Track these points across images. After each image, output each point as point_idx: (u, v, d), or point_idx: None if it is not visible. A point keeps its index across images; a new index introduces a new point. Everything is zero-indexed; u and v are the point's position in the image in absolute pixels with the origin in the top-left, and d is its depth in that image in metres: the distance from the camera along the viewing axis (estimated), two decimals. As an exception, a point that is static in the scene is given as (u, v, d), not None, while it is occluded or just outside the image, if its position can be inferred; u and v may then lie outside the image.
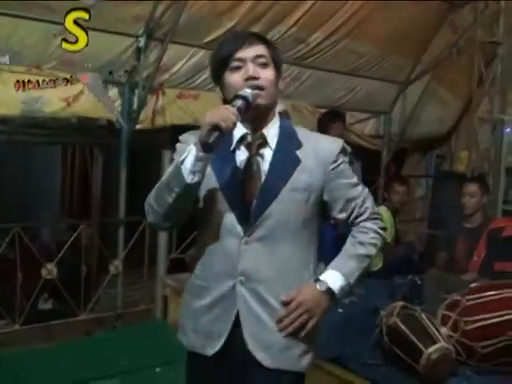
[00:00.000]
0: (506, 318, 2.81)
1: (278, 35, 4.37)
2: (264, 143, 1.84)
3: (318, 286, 1.81)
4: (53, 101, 3.68)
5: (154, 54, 3.99)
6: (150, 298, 4.56)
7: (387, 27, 4.82)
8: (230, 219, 1.80)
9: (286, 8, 4.24)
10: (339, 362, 3.05)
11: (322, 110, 5.09)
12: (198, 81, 4.32)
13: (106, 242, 4.59)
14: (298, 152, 1.83)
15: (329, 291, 1.81)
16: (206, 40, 4.13)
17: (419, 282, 3.56)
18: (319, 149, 1.85)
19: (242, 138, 1.83)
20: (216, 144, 1.65)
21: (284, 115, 2.00)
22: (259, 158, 1.83)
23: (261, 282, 1.80)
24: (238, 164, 1.82)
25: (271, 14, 4.19)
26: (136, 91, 4.06)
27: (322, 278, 1.83)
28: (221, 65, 1.82)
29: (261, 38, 1.86)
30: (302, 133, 1.90)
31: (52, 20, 3.47)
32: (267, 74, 1.80)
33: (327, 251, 4.69)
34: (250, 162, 1.82)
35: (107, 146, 5.32)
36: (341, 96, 5.35)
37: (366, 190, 1.94)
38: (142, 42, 3.89)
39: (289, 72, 4.77)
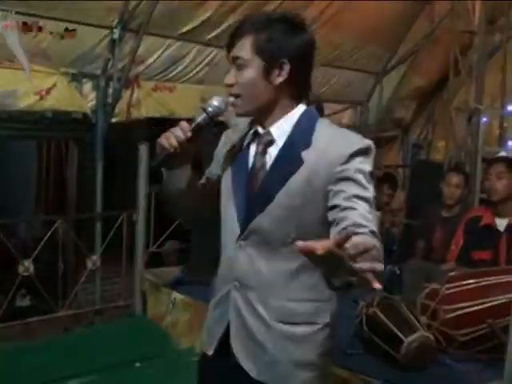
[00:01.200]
0: (485, 305, 2.82)
1: (253, 26, 4.34)
2: (271, 141, 1.69)
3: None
4: (26, 94, 3.62)
5: (128, 45, 3.95)
6: (129, 293, 4.52)
7: (363, 18, 4.82)
8: (232, 219, 1.71)
9: (259, 1, 4.21)
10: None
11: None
12: (174, 72, 4.29)
13: (84, 238, 4.53)
14: (304, 152, 1.62)
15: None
16: (182, 31, 4.10)
17: (398, 272, 3.57)
18: (330, 147, 1.61)
19: (255, 134, 1.71)
20: (160, 164, 1.68)
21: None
22: (266, 157, 1.69)
23: (252, 288, 1.69)
24: (249, 163, 1.72)
25: (247, 5, 4.16)
26: (111, 84, 4.01)
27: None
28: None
29: (244, 29, 1.64)
30: (322, 128, 1.67)
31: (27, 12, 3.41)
32: (242, 78, 1.63)
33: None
34: (256, 161, 1.70)
35: (82, 140, 5.25)
36: (317, 87, 5.32)
37: (374, 210, 1.54)
38: (116, 33, 3.84)
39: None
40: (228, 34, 1.69)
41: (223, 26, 4.22)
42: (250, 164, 1.71)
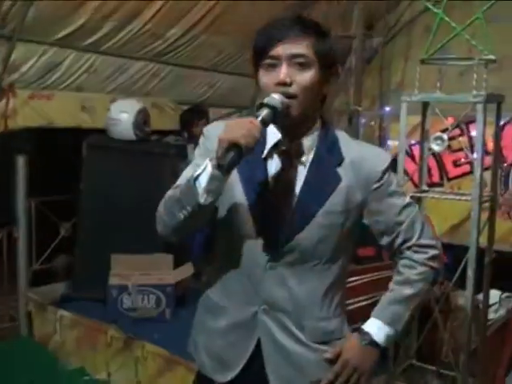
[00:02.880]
0: (371, 300, 2.90)
1: (133, 31, 4.23)
2: (300, 154, 1.58)
3: (361, 341, 1.63)
4: None
5: (1, 52, 3.71)
6: (14, 314, 4.28)
7: (244, 22, 4.81)
8: (255, 239, 1.58)
9: (140, 3, 4.10)
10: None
11: (185, 107, 5.04)
12: (51, 80, 4.09)
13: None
14: (338, 168, 1.57)
15: (373, 344, 1.63)
16: (57, 37, 3.90)
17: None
18: (362, 164, 1.58)
19: (276, 145, 1.57)
20: (233, 165, 1.45)
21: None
22: (293, 172, 1.58)
23: (285, 311, 1.60)
24: (269, 176, 1.59)
25: (125, 9, 4.03)
26: (-17, 94, 3.77)
27: (365, 328, 1.65)
28: (255, 58, 1.56)
29: (307, 29, 1.53)
30: (345, 142, 1.62)
31: None
32: (304, 79, 1.51)
33: (195, 251, 4.65)
34: (281, 175, 1.57)
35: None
36: (202, 92, 5.31)
37: (416, 210, 1.67)
38: (-13, 40, 3.62)
39: (148, 69, 4.67)
40: (276, 27, 1.53)
41: (101, 32, 4.07)
42: (270, 178, 1.59)
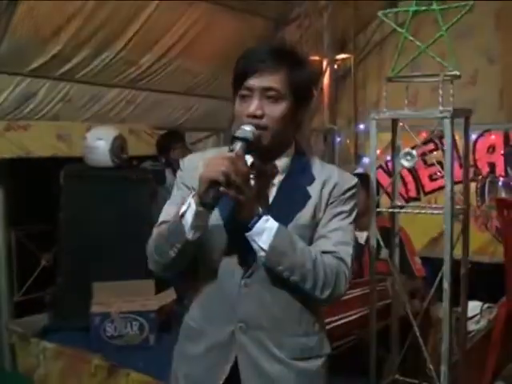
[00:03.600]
0: (352, 318, 2.93)
1: (107, 59, 4.27)
2: (274, 175, 1.66)
3: (260, 208, 1.57)
4: None
5: (-26, 85, 3.73)
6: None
7: (216, 46, 4.90)
8: (229, 257, 1.62)
9: (113, 31, 4.15)
10: None
11: (161, 132, 5.07)
12: (27, 110, 4.10)
13: None
14: (308, 187, 1.64)
15: (258, 217, 1.55)
16: (31, 67, 3.93)
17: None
18: (330, 183, 1.66)
19: (251, 167, 1.60)
20: (215, 202, 1.50)
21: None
22: (267, 191, 1.65)
23: (263, 328, 1.62)
24: None
25: (99, 37, 4.08)
26: (-42, 127, 3.77)
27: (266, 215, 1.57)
28: (232, 85, 1.64)
29: (282, 60, 1.59)
30: (317, 165, 1.70)
31: None
32: (275, 111, 1.57)
33: (176, 276, 4.61)
34: (255, 195, 1.58)
35: None
36: (179, 116, 5.35)
37: (350, 238, 1.67)
38: (-40, 73, 3.63)
39: (123, 95, 4.70)
40: (249, 60, 1.59)
41: (75, 60, 4.10)
42: None
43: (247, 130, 1.55)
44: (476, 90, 4.77)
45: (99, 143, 4.08)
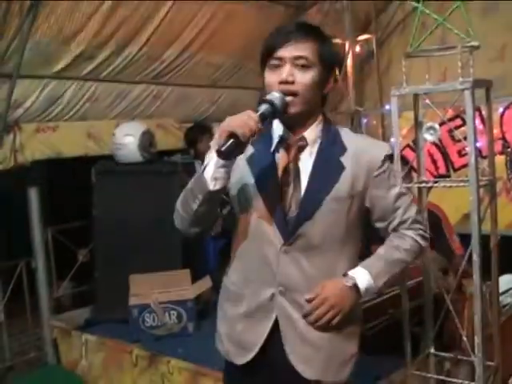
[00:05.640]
0: (386, 296, 2.93)
1: (130, 56, 4.32)
2: (304, 147, 1.76)
3: (344, 281, 1.74)
4: None
5: (3, 90, 3.81)
6: (40, 343, 4.36)
7: (237, 37, 4.91)
8: (268, 227, 1.74)
9: (134, 28, 4.19)
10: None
11: (188, 125, 5.12)
12: (55, 112, 4.18)
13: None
14: (342, 158, 1.74)
15: (355, 287, 1.74)
16: (56, 69, 4.00)
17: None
18: (364, 153, 1.75)
19: (282, 139, 1.75)
20: (231, 152, 1.60)
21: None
22: (299, 163, 1.75)
23: (300, 291, 1.74)
24: (278, 168, 1.75)
25: (120, 35, 4.13)
26: (-10, 133, 3.87)
27: (350, 273, 1.75)
28: (262, 60, 1.75)
29: (311, 33, 1.72)
30: (347, 136, 1.80)
31: None
32: (305, 79, 1.69)
33: (212, 263, 4.70)
34: (289, 166, 1.74)
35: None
36: (205, 109, 5.37)
37: (410, 198, 1.87)
38: (-13, 85, 3.72)
39: (148, 91, 4.75)
40: (279, 33, 1.72)
41: (99, 59, 4.16)
42: (279, 170, 1.74)
43: (276, 95, 1.67)
44: (505, 65, 4.69)
45: (128, 139, 4.15)
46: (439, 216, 3.14)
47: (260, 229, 1.75)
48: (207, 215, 1.75)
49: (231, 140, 1.58)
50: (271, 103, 1.65)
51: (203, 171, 1.67)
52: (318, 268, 1.74)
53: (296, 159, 1.75)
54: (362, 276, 1.75)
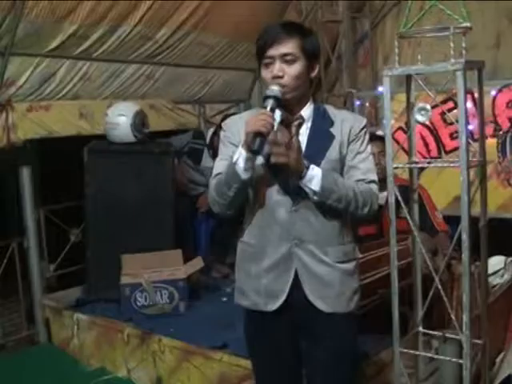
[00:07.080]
0: (376, 277, 2.96)
1: (123, 35, 4.31)
2: (302, 123, 2.11)
3: (305, 161, 2.01)
4: None
5: (-5, 68, 3.80)
6: (31, 321, 4.37)
7: (232, 16, 4.90)
8: (278, 193, 2.08)
9: (127, 7, 4.18)
10: (227, 348, 3.17)
11: (182, 106, 5.12)
12: (48, 90, 4.17)
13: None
14: (331, 129, 2.12)
15: (307, 169, 2.00)
16: (49, 48, 3.98)
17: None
18: (347, 124, 2.13)
19: (283, 120, 2.02)
20: (261, 148, 1.92)
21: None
22: (300, 137, 2.08)
23: (311, 242, 2.08)
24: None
25: (113, 14, 4.11)
26: (-19, 111, 3.85)
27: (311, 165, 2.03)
28: (257, 58, 2.08)
29: (294, 31, 2.05)
30: (332, 111, 2.18)
31: None
32: (292, 71, 2.03)
33: (203, 242, 4.72)
34: (291, 140, 2.02)
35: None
36: (198, 89, 5.37)
37: (373, 165, 2.17)
38: (-21, 58, 3.69)
39: (141, 71, 4.74)
40: (267, 37, 2.02)
41: (92, 38, 4.15)
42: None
43: (275, 88, 2.00)
44: (500, 53, 4.72)
45: (121, 119, 4.15)
46: (420, 193, 3.16)
47: (271, 197, 2.09)
48: (240, 198, 2.09)
49: (258, 138, 1.90)
50: (275, 97, 1.97)
51: (235, 165, 1.98)
52: (323, 221, 2.09)
53: (297, 134, 2.09)
54: (316, 168, 2.03)
